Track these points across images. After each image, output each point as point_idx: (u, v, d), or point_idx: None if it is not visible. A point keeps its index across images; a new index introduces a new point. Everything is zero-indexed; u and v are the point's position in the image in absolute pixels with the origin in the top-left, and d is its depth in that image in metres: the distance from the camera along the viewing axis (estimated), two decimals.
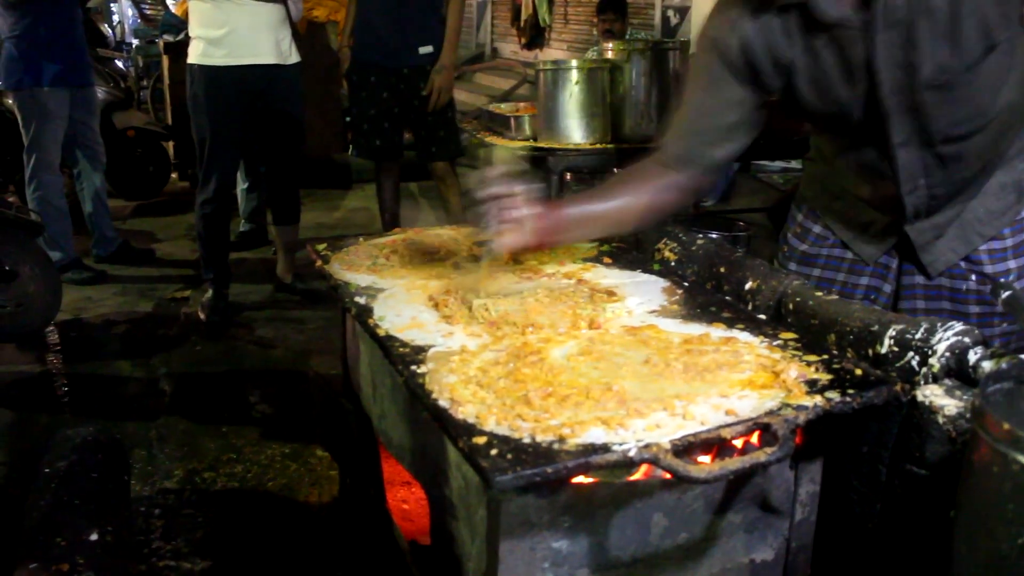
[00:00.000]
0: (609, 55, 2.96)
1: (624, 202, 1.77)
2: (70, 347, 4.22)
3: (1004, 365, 1.22)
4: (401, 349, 1.48)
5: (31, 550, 2.54)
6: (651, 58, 2.82)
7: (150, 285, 5.06)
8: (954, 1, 1.51)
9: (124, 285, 5.05)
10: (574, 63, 2.78)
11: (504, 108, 3.34)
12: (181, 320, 4.53)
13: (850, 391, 1.30)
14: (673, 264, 1.90)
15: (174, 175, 7.45)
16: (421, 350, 1.46)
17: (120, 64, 9.82)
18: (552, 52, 10.42)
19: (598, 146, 2.87)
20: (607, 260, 1.96)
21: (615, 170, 3.01)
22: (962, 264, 1.82)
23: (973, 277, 1.82)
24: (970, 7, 1.51)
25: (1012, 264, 1.82)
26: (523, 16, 10.55)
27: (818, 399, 1.27)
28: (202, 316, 4.44)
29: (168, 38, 7.89)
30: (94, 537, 2.62)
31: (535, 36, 10.57)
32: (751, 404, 1.26)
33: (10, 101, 5.20)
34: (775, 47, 1.67)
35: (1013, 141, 1.77)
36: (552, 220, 1.68)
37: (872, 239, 1.87)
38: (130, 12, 14.25)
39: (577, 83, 2.81)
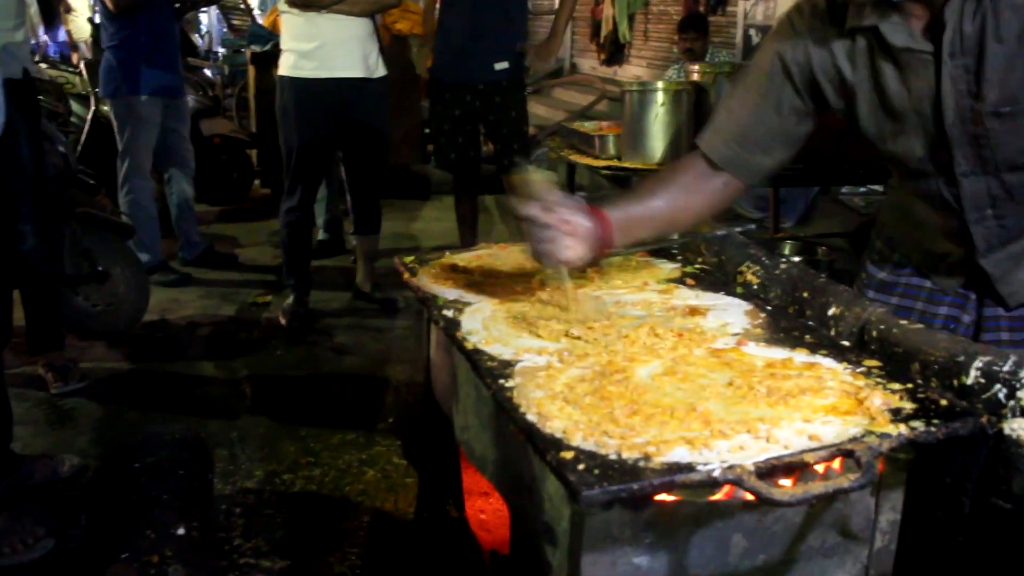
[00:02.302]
0: (695, 76, 2.99)
1: (680, 204, 1.80)
2: (156, 347, 4.37)
3: None
4: (489, 363, 1.52)
5: (123, 542, 2.65)
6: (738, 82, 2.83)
7: (233, 289, 5.20)
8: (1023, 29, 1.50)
9: (208, 288, 5.20)
10: (660, 84, 2.81)
11: (588, 127, 3.37)
12: (262, 324, 4.65)
13: (935, 421, 1.30)
14: (756, 287, 1.91)
15: (257, 182, 7.64)
16: (508, 364, 1.50)
17: (208, 73, 10.10)
18: (631, 69, 10.43)
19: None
20: (690, 281, 1.98)
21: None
22: None
23: None
24: None
25: None
26: (603, 32, 10.59)
27: (902, 428, 1.27)
28: (283, 321, 4.56)
29: (255, 48, 8.09)
30: (181, 531, 2.73)
31: (614, 52, 10.60)
32: (834, 430, 1.27)
33: (107, 108, 5.41)
34: (839, 69, 1.69)
35: None
36: (604, 226, 1.69)
37: (949, 269, 1.85)
38: (218, 22, 14.64)
39: (663, 104, 2.84)
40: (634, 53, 10.46)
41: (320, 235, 5.93)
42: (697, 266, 2.10)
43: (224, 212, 7.07)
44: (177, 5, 5.41)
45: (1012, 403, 1.34)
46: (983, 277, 1.80)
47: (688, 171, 1.82)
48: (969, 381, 1.39)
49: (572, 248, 1.66)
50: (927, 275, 1.90)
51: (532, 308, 1.77)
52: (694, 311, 1.78)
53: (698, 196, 1.81)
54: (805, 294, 1.79)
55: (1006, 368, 1.35)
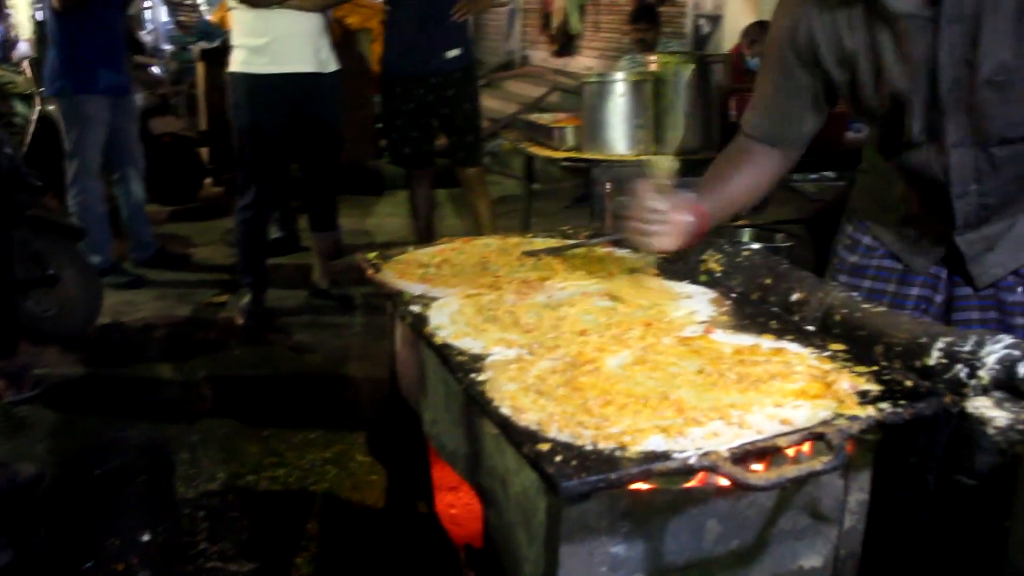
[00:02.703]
0: (653, 67, 3.00)
1: (753, 182, 1.93)
2: (111, 350, 4.30)
3: None
4: (459, 357, 1.51)
5: (86, 551, 2.61)
6: (696, 71, 2.86)
7: (187, 290, 5.13)
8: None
9: (162, 289, 5.13)
10: (619, 75, 2.82)
11: (546, 118, 3.38)
12: (219, 324, 4.60)
13: (901, 402, 1.32)
14: (719, 276, 1.93)
15: (208, 180, 7.55)
16: (479, 358, 1.50)
17: (155, 70, 9.95)
18: (582, 60, 10.45)
19: (642, 157, 2.91)
20: (653, 271, 1.99)
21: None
22: (1010, 277, 1.83)
23: (1020, 289, 1.83)
24: None
25: None
26: (554, 24, 10.59)
27: (870, 410, 1.29)
28: (240, 321, 4.51)
29: (204, 45, 7.99)
30: (146, 538, 2.70)
31: (565, 44, 10.60)
32: (805, 414, 1.28)
33: (52, 107, 5.31)
34: (840, 37, 1.73)
35: None
36: (703, 219, 1.83)
37: (922, 250, 1.89)
38: (164, 18, 14.42)
39: (622, 95, 2.85)
40: (585, 44, 10.48)
41: (274, 232, 5.87)
42: (659, 256, 2.10)
43: (176, 212, 6.98)
44: None
45: (973, 382, 1.36)
46: (956, 257, 1.84)
47: (744, 153, 1.94)
48: (932, 362, 1.41)
49: (666, 238, 1.80)
50: (898, 257, 1.94)
51: (499, 301, 1.76)
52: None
53: (765, 173, 1.94)
54: (768, 281, 1.82)
55: (967, 348, 1.38)
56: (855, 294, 1.74)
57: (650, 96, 2.86)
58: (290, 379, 3.93)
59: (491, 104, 10.32)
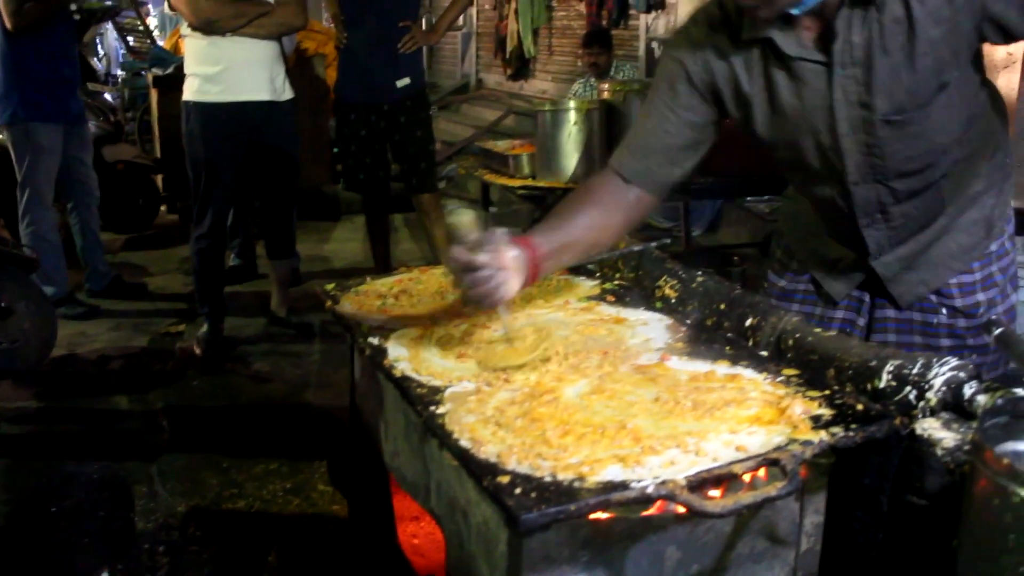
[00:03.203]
0: (605, 95, 3.04)
1: (600, 223, 1.79)
2: (66, 383, 4.24)
3: (999, 401, 1.29)
4: (418, 390, 1.53)
5: None
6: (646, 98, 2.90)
7: (144, 319, 5.08)
8: (909, 42, 1.58)
9: (118, 320, 5.07)
10: (572, 104, 2.85)
11: (501, 146, 3.40)
12: (176, 355, 4.55)
13: (853, 426, 1.35)
14: (674, 302, 1.96)
15: (163, 208, 7.48)
16: (438, 390, 1.51)
17: (108, 97, 9.87)
18: (537, 83, 10.52)
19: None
20: (610, 298, 2.01)
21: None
22: (932, 298, 1.89)
23: (944, 311, 1.89)
24: (924, 48, 1.58)
25: (981, 297, 1.89)
26: (508, 47, 10.65)
27: (823, 434, 1.32)
28: (197, 351, 4.47)
29: (157, 71, 7.95)
30: (105, 575, 2.66)
31: (520, 67, 10.67)
32: (760, 440, 1.31)
33: (3, 136, 5.24)
34: (737, 78, 1.74)
35: (977, 179, 1.83)
36: (530, 249, 1.65)
37: (841, 275, 1.94)
38: (116, 44, 14.31)
39: (575, 124, 2.88)
40: (539, 68, 10.55)
41: (232, 260, 5.83)
42: (616, 282, 2.13)
43: (130, 240, 6.91)
44: (76, 17, 5.25)
45: (922, 404, 1.40)
46: (876, 279, 1.88)
47: (602, 189, 1.84)
48: (882, 384, 1.45)
49: (508, 284, 1.59)
50: (820, 283, 1.98)
51: (457, 331, 1.78)
52: (617, 321, 1.82)
53: (615, 214, 1.82)
54: (722, 306, 1.84)
55: (915, 371, 1.42)
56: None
57: (602, 124, 2.89)
58: (250, 409, 3.91)
59: (447, 127, 10.36)
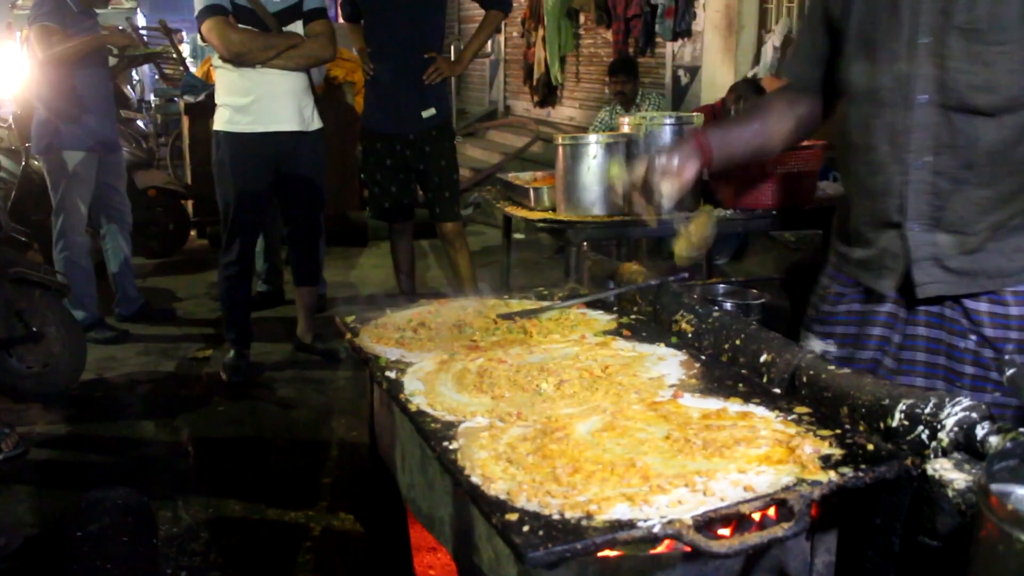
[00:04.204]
0: (626, 129, 3.07)
1: (768, 130, 2.10)
2: (95, 407, 4.31)
3: (1009, 444, 1.29)
4: (433, 425, 1.55)
5: None
6: (667, 133, 2.92)
7: (172, 344, 5.15)
8: None
9: (147, 344, 5.14)
10: (592, 137, 2.87)
11: (523, 178, 3.43)
12: (203, 380, 4.61)
13: (862, 466, 1.36)
14: (690, 336, 1.97)
15: (193, 232, 7.58)
16: (452, 426, 1.54)
17: (141, 124, 10.03)
18: (564, 110, 10.58)
19: (616, 218, 2.96)
20: (626, 333, 2.03)
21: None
22: (964, 322, 1.90)
23: (973, 338, 1.90)
24: None
25: (1014, 335, 1.89)
26: (535, 74, 10.73)
27: (832, 474, 1.33)
28: (224, 376, 4.52)
29: (189, 98, 8.07)
30: None
31: (547, 94, 10.74)
32: (768, 480, 1.32)
33: (38, 163, 5.34)
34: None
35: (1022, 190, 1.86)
36: (703, 144, 1.98)
37: (883, 268, 1.97)
38: (149, 71, 14.53)
39: (595, 157, 2.90)
40: (566, 95, 10.62)
41: (259, 286, 5.90)
42: (633, 317, 2.15)
43: (160, 265, 7.01)
44: (114, 62, 5.38)
45: (934, 444, 1.40)
46: (910, 286, 1.92)
47: (776, 98, 2.15)
48: (894, 423, 1.45)
49: (684, 170, 1.93)
50: (862, 286, 2.03)
51: (473, 365, 1.80)
52: (632, 356, 1.84)
53: (785, 122, 2.11)
54: (737, 342, 1.85)
55: (927, 410, 1.42)
56: (828, 349, 1.92)
57: (623, 157, 2.90)
58: (274, 436, 3.94)
59: (474, 153, 10.44)
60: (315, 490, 3.35)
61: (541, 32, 10.36)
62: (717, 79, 7.68)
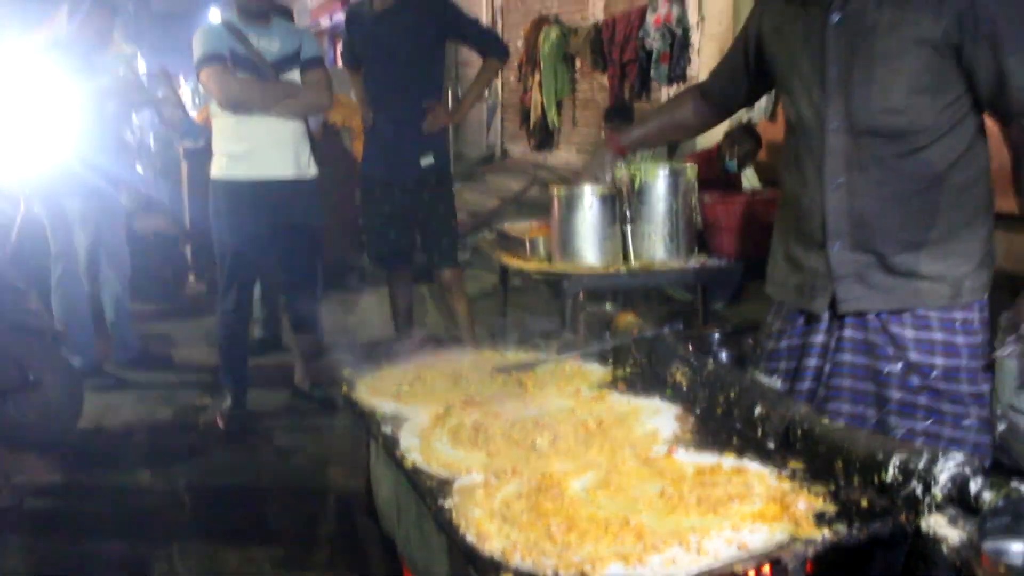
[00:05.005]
0: (621, 176, 3.08)
1: (673, 124, 2.57)
2: (91, 455, 4.27)
3: (1001, 501, 1.30)
4: (428, 482, 1.55)
5: None
6: (663, 184, 2.95)
7: (169, 391, 5.13)
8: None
9: (144, 391, 5.12)
10: (587, 188, 2.90)
11: (517, 229, 3.44)
12: (200, 428, 4.58)
13: (857, 522, 1.36)
14: (685, 389, 1.98)
15: (191, 277, 7.59)
16: (446, 483, 1.54)
17: (140, 169, 10.07)
18: (561, 154, 10.65)
19: (611, 269, 2.98)
20: (621, 386, 2.04)
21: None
22: (890, 348, 2.00)
23: (899, 364, 1.98)
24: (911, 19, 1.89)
25: (939, 360, 2.00)
26: (532, 118, 10.80)
27: (826, 531, 1.33)
28: (221, 424, 4.50)
29: (188, 143, 8.10)
30: None
31: (544, 138, 10.80)
32: (762, 537, 1.32)
33: (38, 210, 5.36)
34: (781, 27, 2.12)
35: (951, 236, 1.99)
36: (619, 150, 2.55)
37: (813, 289, 2.11)
38: (149, 115, 14.62)
39: (591, 208, 2.92)
40: (564, 138, 10.68)
41: (257, 332, 5.90)
42: (628, 368, 2.16)
43: (158, 310, 6.99)
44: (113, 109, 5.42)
45: (928, 499, 1.41)
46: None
47: (690, 100, 2.53)
48: (889, 478, 1.46)
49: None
50: (799, 309, 2.16)
51: (468, 419, 1.81)
52: (627, 410, 1.85)
53: (692, 118, 2.52)
54: (732, 394, 1.86)
55: (921, 465, 1.43)
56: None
57: (618, 208, 2.92)
58: (271, 485, 3.91)
59: (473, 198, 10.47)
60: (312, 541, 3.33)
61: (538, 77, 10.45)
62: None
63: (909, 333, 2.01)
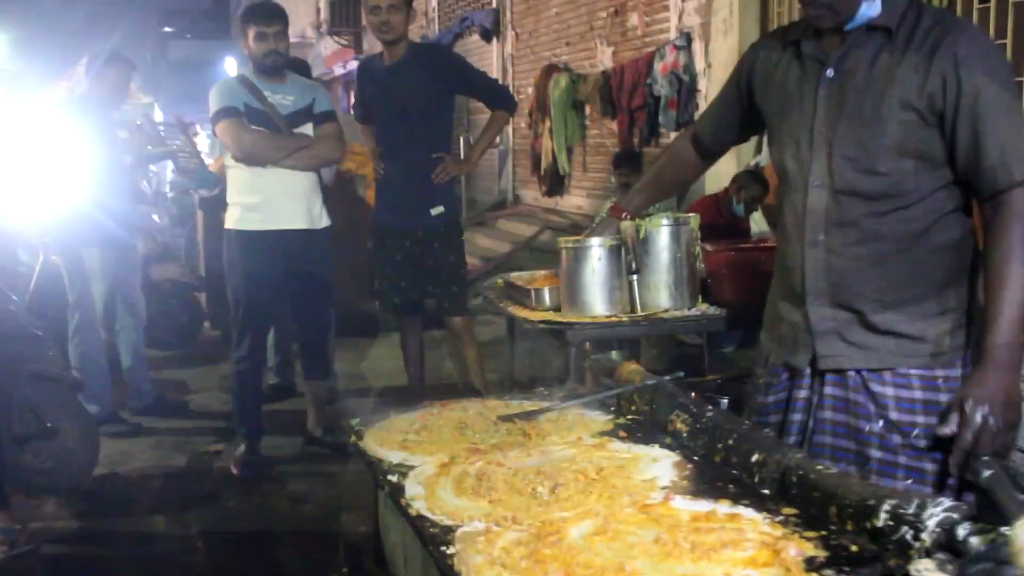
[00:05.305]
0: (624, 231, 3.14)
1: (671, 178, 2.72)
2: (106, 502, 4.34)
3: (983, 548, 1.34)
4: (431, 529, 1.60)
5: None
6: (667, 234, 3.01)
7: (184, 438, 5.20)
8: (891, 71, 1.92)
9: (159, 438, 5.19)
10: (595, 242, 2.95)
11: (524, 279, 3.49)
12: (214, 474, 4.64)
13: (846, 568, 1.40)
14: (685, 436, 2.02)
15: (207, 324, 7.68)
16: (449, 530, 1.59)
17: (156, 218, 10.22)
18: (572, 199, 10.74)
19: (614, 318, 3.02)
20: (622, 434, 2.09)
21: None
22: (870, 406, 2.01)
23: (880, 422, 1.99)
24: (901, 80, 1.91)
25: (920, 419, 1.99)
26: (543, 165, 10.91)
27: None
28: (235, 471, 4.56)
29: (203, 192, 8.24)
30: None
31: (555, 183, 10.91)
32: None
33: (56, 260, 5.47)
34: (772, 77, 2.15)
35: (923, 274, 2.00)
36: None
37: (796, 343, 2.13)
38: (165, 164, 14.83)
39: (599, 259, 2.97)
40: (574, 184, 10.79)
41: (271, 379, 5.96)
42: (630, 417, 2.21)
43: (173, 357, 7.08)
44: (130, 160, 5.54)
45: (918, 544, 1.45)
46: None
47: (683, 150, 2.61)
48: (880, 523, 1.50)
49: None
50: (787, 368, 2.18)
51: (472, 468, 1.86)
52: (627, 458, 1.90)
53: (688, 169, 2.65)
54: (730, 442, 1.90)
55: (911, 511, 1.47)
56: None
57: (625, 259, 2.96)
58: (284, 531, 3.97)
59: (484, 243, 10.57)
60: None
61: (548, 123, 10.58)
62: (720, 169, 7.75)
63: (890, 391, 2.00)
